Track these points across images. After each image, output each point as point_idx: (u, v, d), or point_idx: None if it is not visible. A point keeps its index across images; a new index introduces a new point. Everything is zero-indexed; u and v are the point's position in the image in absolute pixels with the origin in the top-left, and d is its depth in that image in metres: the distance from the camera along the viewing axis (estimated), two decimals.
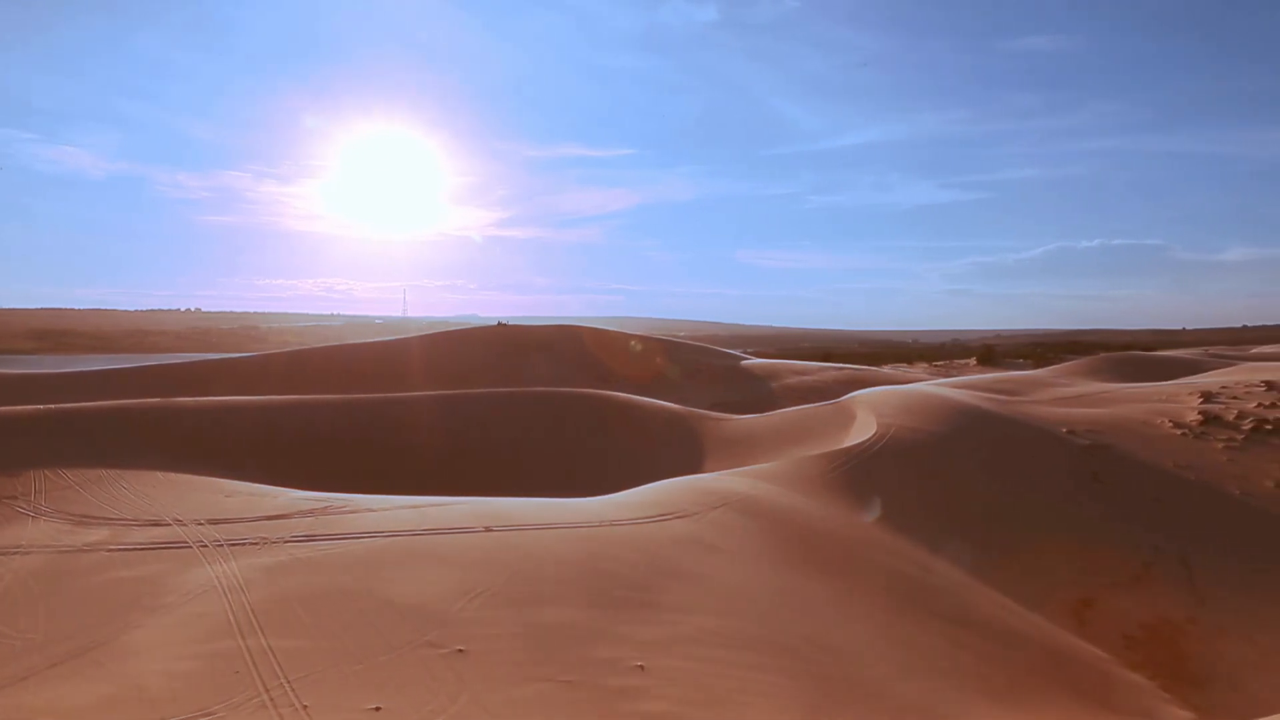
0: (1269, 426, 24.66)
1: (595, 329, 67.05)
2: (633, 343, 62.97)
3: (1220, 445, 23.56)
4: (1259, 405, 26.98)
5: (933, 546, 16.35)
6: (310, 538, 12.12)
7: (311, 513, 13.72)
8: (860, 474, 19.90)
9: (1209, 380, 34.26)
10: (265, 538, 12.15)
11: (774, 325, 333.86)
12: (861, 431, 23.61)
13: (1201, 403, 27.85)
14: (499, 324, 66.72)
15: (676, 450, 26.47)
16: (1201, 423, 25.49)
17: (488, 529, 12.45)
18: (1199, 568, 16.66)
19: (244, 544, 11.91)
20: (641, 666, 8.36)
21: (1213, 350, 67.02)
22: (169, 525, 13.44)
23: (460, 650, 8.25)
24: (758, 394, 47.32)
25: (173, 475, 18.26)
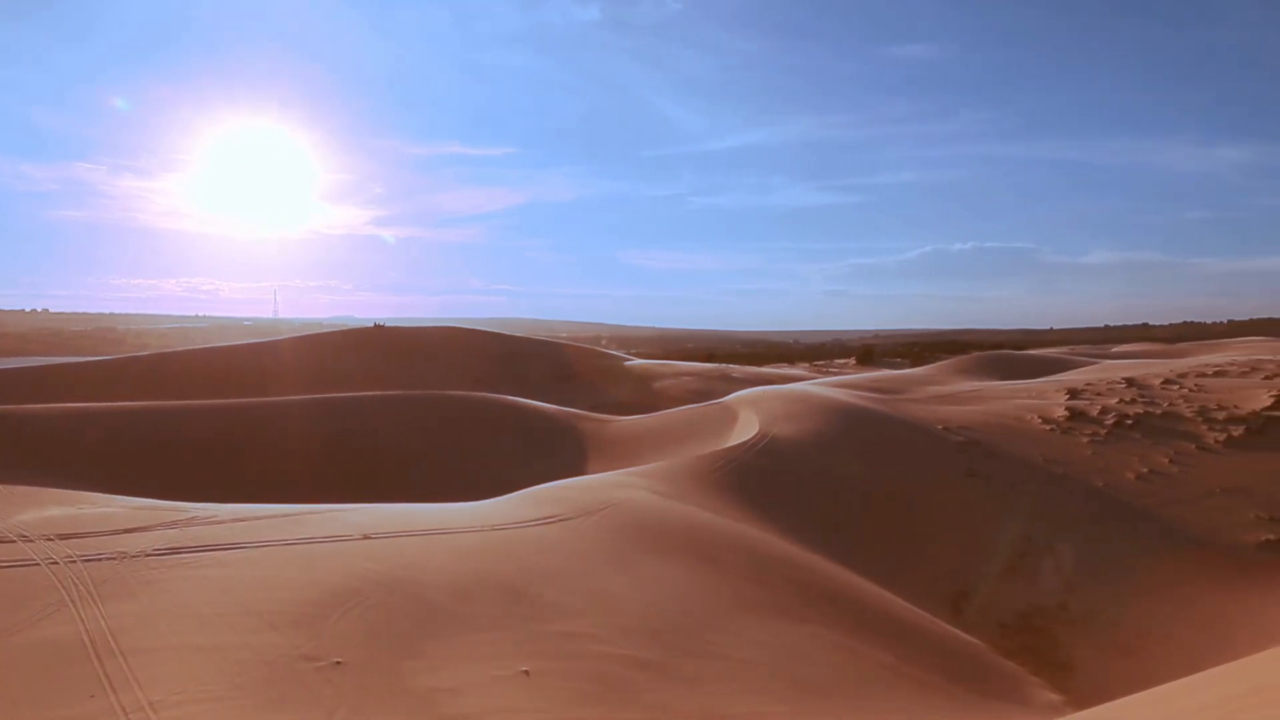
0: (1130, 421, 26.26)
1: (483, 331, 66.62)
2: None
3: (1085, 439, 24.97)
4: (1120, 401, 28.69)
5: (815, 542, 16.85)
6: (174, 550, 11.69)
7: (175, 524, 13.22)
8: (743, 473, 20.32)
9: (1074, 378, 36.24)
10: (124, 552, 11.64)
11: (658, 326, 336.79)
12: (744, 431, 24.12)
13: (1068, 399, 29.45)
14: (376, 325, 65.41)
15: (562, 452, 26.53)
16: (1068, 418, 26.96)
17: (367, 537, 12.26)
18: (1067, 558, 17.65)
19: (100, 560, 11.39)
20: (527, 672, 8.40)
21: (1077, 349, 70.88)
22: (12, 542, 12.75)
23: (338, 663, 8.13)
24: (642, 395, 47.73)
25: (16, 488, 17.32)
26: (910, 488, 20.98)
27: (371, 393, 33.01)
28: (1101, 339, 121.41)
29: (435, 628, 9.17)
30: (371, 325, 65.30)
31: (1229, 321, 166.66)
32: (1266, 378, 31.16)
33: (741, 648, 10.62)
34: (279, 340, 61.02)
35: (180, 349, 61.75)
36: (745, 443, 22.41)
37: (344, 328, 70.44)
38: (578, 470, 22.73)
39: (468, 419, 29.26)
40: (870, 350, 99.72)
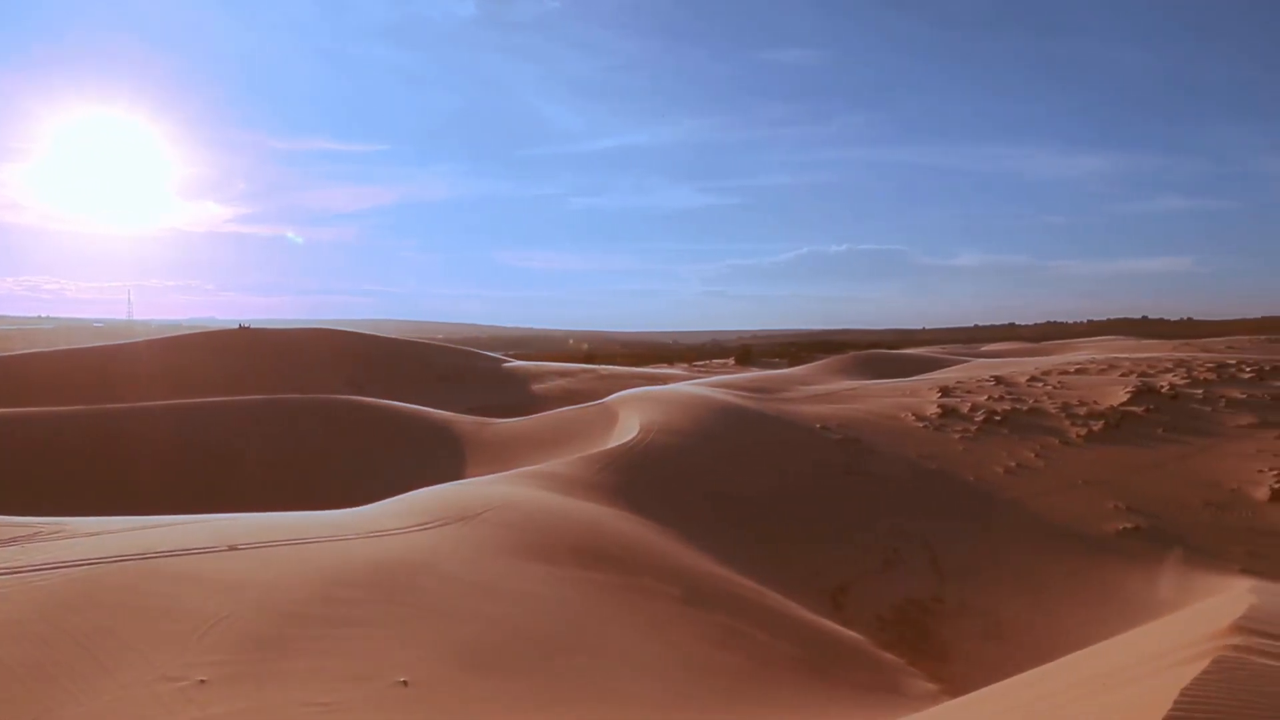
0: (998, 418, 27.45)
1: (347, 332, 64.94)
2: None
3: (957, 436, 26.00)
4: (989, 398, 29.97)
5: (698, 541, 17.04)
6: (13, 570, 11.02)
7: (15, 540, 12.45)
8: (625, 473, 20.42)
9: (946, 376, 37.69)
10: None
11: (536, 327, 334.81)
12: (625, 432, 24.23)
13: (940, 397, 30.60)
14: (241, 327, 62.96)
15: (439, 456, 26.14)
16: (940, 415, 28.01)
17: (233, 548, 11.82)
18: (941, 551, 18.34)
19: None
20: (405, 682, 8.25)
21: (949, 349, 73.65)
22: None
23: (202, 681, 7.82)
24: (520, 397, 47.40)
25: None
26: (790, 485, 21.44)
27: (235, 397, 31.87)
28: (971, 338, 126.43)
29: (308, 640, 8.91)
30: (236, 327, 62.87)
31: (1089, 321, 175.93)
32: (1123, 375, 33.03)
33: (630, 649, 10.67)
34: (134, 343, 57.97)
35: (21, 351, 58.14)
36: (626, 443, 22.52)
37: (206, 329, 67.59)
38: (456, 474, 22.43)
39: (339, 423, 28.56)
40: (748, 350, 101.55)
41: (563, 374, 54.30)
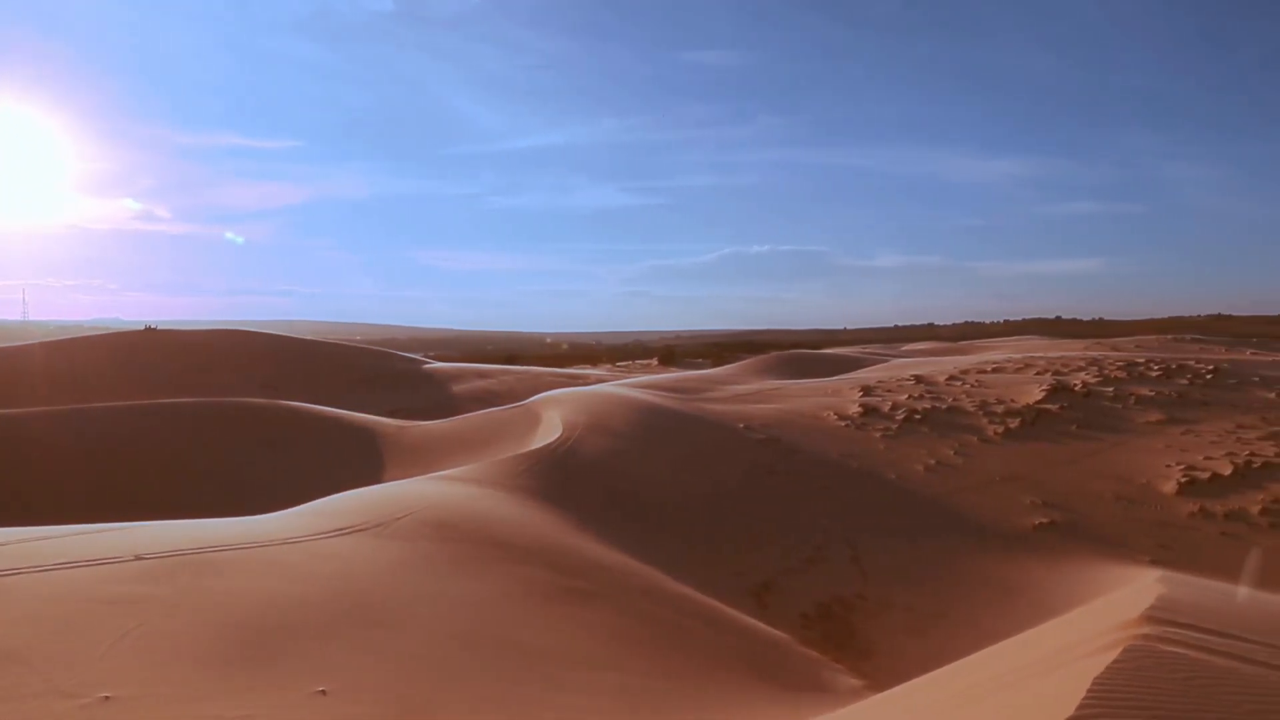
0: (918, 416, 28.03)
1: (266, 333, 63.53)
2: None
3: (878, 435, 26.48)
4: (909, 397, 30.58)
5: (622, 542, 17.08)
6: None
7: None
8: (547, 476, 20.36)
9: (867, 376, 38.36)
10: None
11: (456, 328, 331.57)
12: (548, 433, 24.16)
13: (861, 396, 31.13)
14: (147, 328, 60.92)
15: (357, 460, 25.74)
16: (861, 415, 28.49)
17: (139, 558, 11.48)
18: (863, 548, 18.67)
19: None
20: (323, 692, 8.12)
21: (869, 348, 74.86)
22: None
23: (106, 698, 7.58)
24: (440, 399, 46.89)
25: None
26: (714, 485, 21.61)
27: (141, 402, 30.96)
28: (891, 338, 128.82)
29: (220, 652, 8.70)
30: (143, 328, 60.85)
31: (1005, 321, 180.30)
32: (1038, 373, 34.00)
33: (557, 652, 10.64)
34: (30, 345, 55.70)
35: None
36: (549, 444, 22.45)
37: (109, 330, 65.37)
38: (375, 479, 22.13)
39: (252, 428, 27.92)
40: (672, 351, 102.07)
41: (484, 375, 53.90)
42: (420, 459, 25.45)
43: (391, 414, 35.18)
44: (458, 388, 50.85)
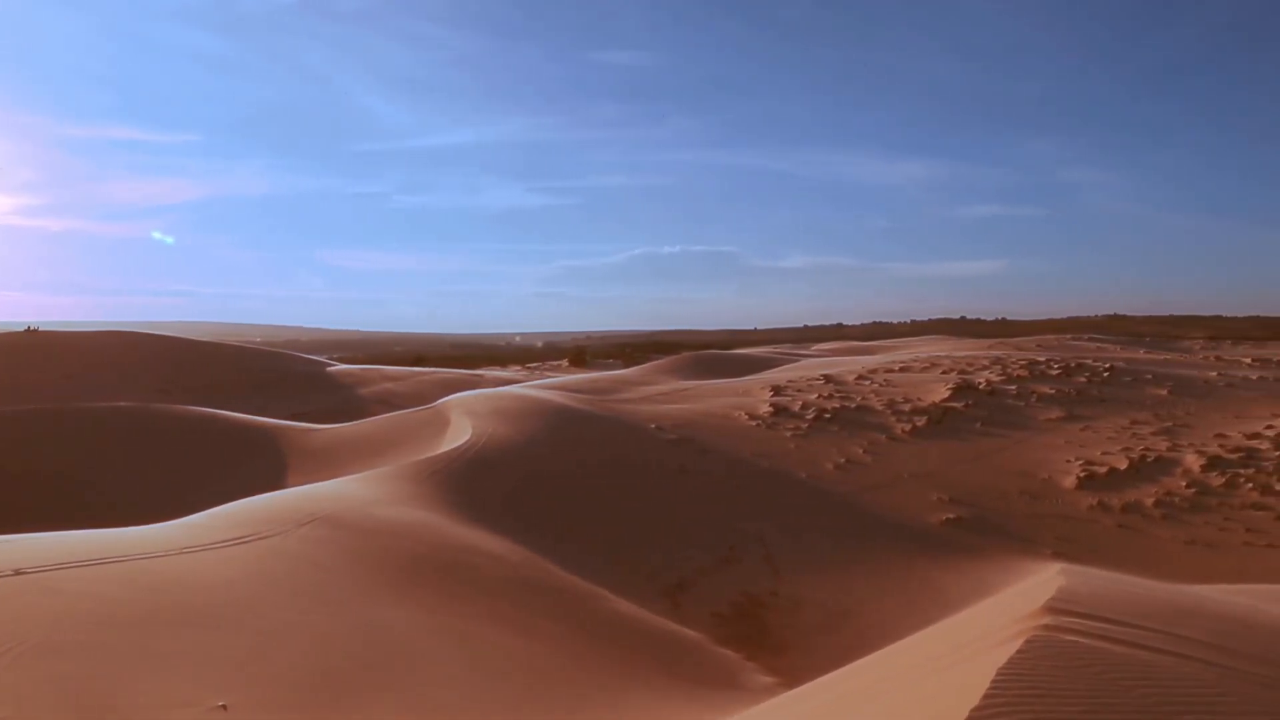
0: (828, 415, 28.55)
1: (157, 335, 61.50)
2: None
3: (789, 434, 26.89)
4: (819, 397, 31.13)
5: (533, 545, 17.04)
6: None
7: None
8: (457, 479, 20.21)
9: (778, 376, 38.91)
10: None
11: (362, 329, 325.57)
12: (457, 436, 23.98)
13: (772, 396, 31.58)
14: (29, 329, 58.31)
15: (259, 465, 25.15)
16: (772, 414, 28.90)
17: (19, 572, 11.02)
18: (776, 546, 18.94)
19: None
20: (224, 706, 7.94)
21: (780, 348, 75.87)
22: None
23: None
24: (345, 402, 46.06)
25: None
26: (625, 486, 21.69)
27: (22, 407, 29.79)
28: (801, 338, 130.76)
29: (112, 669, 8.43)
30: (24, 329, 58.27)
31: (912, 321, 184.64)
32: (944, 373, 34.93)
33: (461, 658, 10.58)
34: None
35: None
36: (458, 447, 22.28)
37: None
38: (277, 484, 21.65)
39: (145, 433, 27.08)
40: (582, 351, 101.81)
41: (391, 377, 53.14)
42: (325, 463, 25.00)
43: (295, 417, 34.48)
44: (364, 390, 50.03)
